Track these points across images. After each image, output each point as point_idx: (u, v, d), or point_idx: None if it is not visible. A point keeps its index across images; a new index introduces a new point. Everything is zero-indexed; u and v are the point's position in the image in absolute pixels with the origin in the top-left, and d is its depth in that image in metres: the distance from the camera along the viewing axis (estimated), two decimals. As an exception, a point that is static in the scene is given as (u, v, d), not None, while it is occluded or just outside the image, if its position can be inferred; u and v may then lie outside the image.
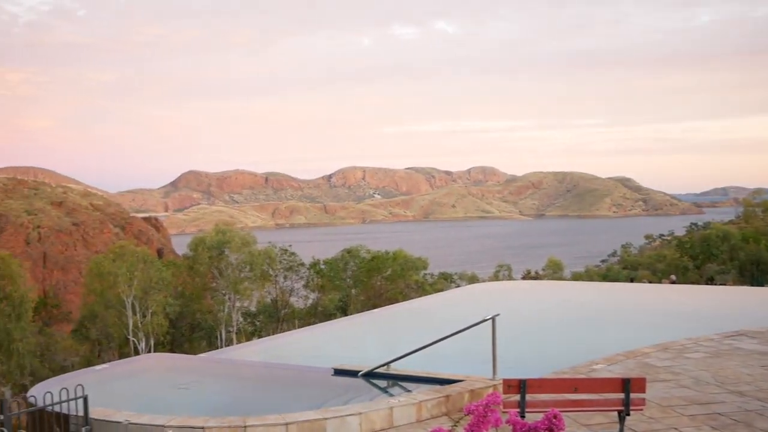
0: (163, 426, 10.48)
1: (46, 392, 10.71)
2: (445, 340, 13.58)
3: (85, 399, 10.74)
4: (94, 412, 11.00)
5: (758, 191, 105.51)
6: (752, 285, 54.98)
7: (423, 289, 49.00)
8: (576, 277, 71.22)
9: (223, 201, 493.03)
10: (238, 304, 46.42)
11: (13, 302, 35.05)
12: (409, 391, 12.71)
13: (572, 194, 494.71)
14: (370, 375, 13.83)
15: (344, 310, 48.36)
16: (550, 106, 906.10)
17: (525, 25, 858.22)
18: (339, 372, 14.36)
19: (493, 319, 12.57)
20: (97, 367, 16.46)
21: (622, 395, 9.90)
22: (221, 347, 40.64)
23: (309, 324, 41.18)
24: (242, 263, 45.83)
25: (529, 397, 10.02)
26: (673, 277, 55.28)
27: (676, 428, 10.65)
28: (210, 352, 21.80)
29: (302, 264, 50.79)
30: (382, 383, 13.66)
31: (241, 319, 47.48)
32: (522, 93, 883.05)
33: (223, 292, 46.18)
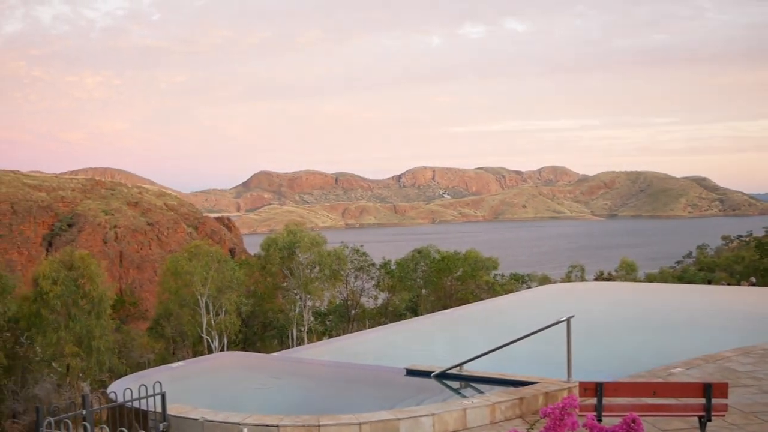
0: (238, 424, 10.59)
1: (125, 388, 10.94)
2: (516, 342, 13.45)
3: (163, 396, 10.93)
4: (172, 409, 11.19)
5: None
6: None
7: (493, 290, 48.57)
8: (650, 278, 69.81)
9: (294, 201, 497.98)
10: (309, 303, 46.72)
11: (92, 300, 35.86)
12: (482, 392, 12.62)
13: (646, 194, 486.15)
14: (443, 376, 13.77)
15: (414, 311, 48.29)
16: (623, 104, 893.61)
17: (598, 22, 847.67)
18: (411, 372, 14.33)
19: (568, 320, 12.39)
20: (174, 365, 16.74)
21: (702, 400, 9.67)
22: (292, 346, 40.95)
23: (379, 324, 41.26)
24: (312, 263, 46.12)
25: (605, 400, 9.87)
26: (753, 279, 53.74)
27: (759, 435, 10.35)
28: (283, 351, 21.98)
29: (373, 264, 50.88)
30: (455, 384, 13.59)
31: (312, 319, 47.76)
32: (594, 91, 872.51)
33: (294, 291, 46.50)
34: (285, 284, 47.70)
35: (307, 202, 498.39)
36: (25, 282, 48.76)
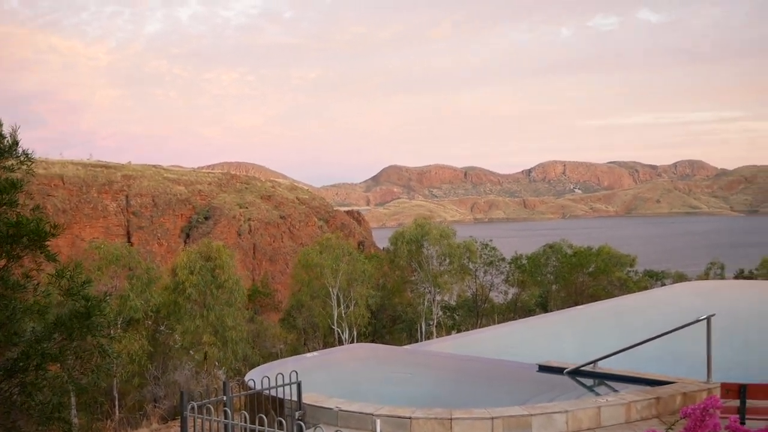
0: (371, 414, 10.76)
1: (263, 377, 11.29)
2: (652, 340, 13.10)
3: (299, 385, 11.21)
4: (307, 398, 11.46)
5: None
6: None
7: (626, 286, 47.41)
8: (795, 277, 66.48)
9: (423, 195, 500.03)
10: (438, 297, 46.84)
11: (228, 291, 37.05)
12: (616, 391, 12.37)
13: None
14: (576, 373, 13.57)
15: (544, 307, 47.71)
16: (765, 95, 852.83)
17: (736, 9, 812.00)
18: (544, 368, 14.18)
19: (708, 319, 11.98)
20: (308, 355, 17.14)
21: None
22: (421, 340, 41.20)
23: (508, 319, 40.98)
24: (441, 255, 46.18)
25: (748, 402, 9.52)
26: None
27: None
28: (414, 344, 22.14)
29: (503, 259, 50.52)
30: (588, 382, 13.37)
31: (440, 313, 47.89)
32: (733, 82, 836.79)
33: (423, 285, 46.73)
34: (413, 278, 48.00)
35: (436, 197, 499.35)
36: (164, 273, 50.86)
